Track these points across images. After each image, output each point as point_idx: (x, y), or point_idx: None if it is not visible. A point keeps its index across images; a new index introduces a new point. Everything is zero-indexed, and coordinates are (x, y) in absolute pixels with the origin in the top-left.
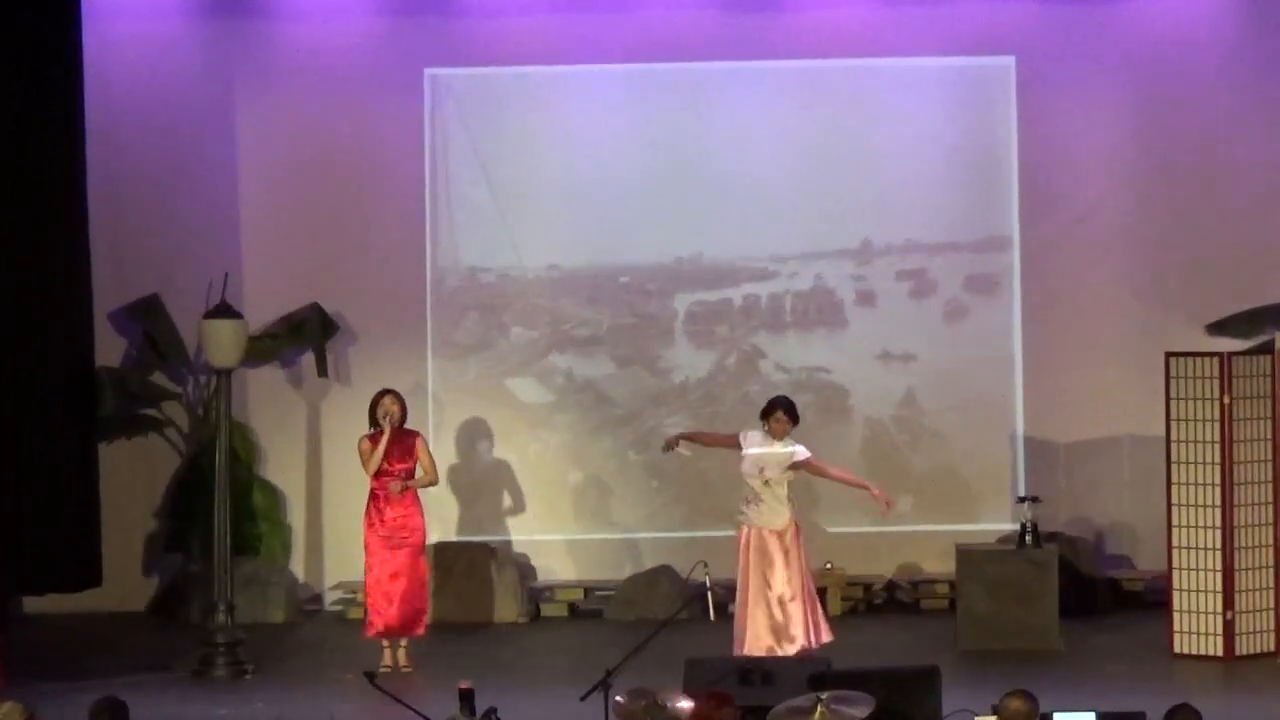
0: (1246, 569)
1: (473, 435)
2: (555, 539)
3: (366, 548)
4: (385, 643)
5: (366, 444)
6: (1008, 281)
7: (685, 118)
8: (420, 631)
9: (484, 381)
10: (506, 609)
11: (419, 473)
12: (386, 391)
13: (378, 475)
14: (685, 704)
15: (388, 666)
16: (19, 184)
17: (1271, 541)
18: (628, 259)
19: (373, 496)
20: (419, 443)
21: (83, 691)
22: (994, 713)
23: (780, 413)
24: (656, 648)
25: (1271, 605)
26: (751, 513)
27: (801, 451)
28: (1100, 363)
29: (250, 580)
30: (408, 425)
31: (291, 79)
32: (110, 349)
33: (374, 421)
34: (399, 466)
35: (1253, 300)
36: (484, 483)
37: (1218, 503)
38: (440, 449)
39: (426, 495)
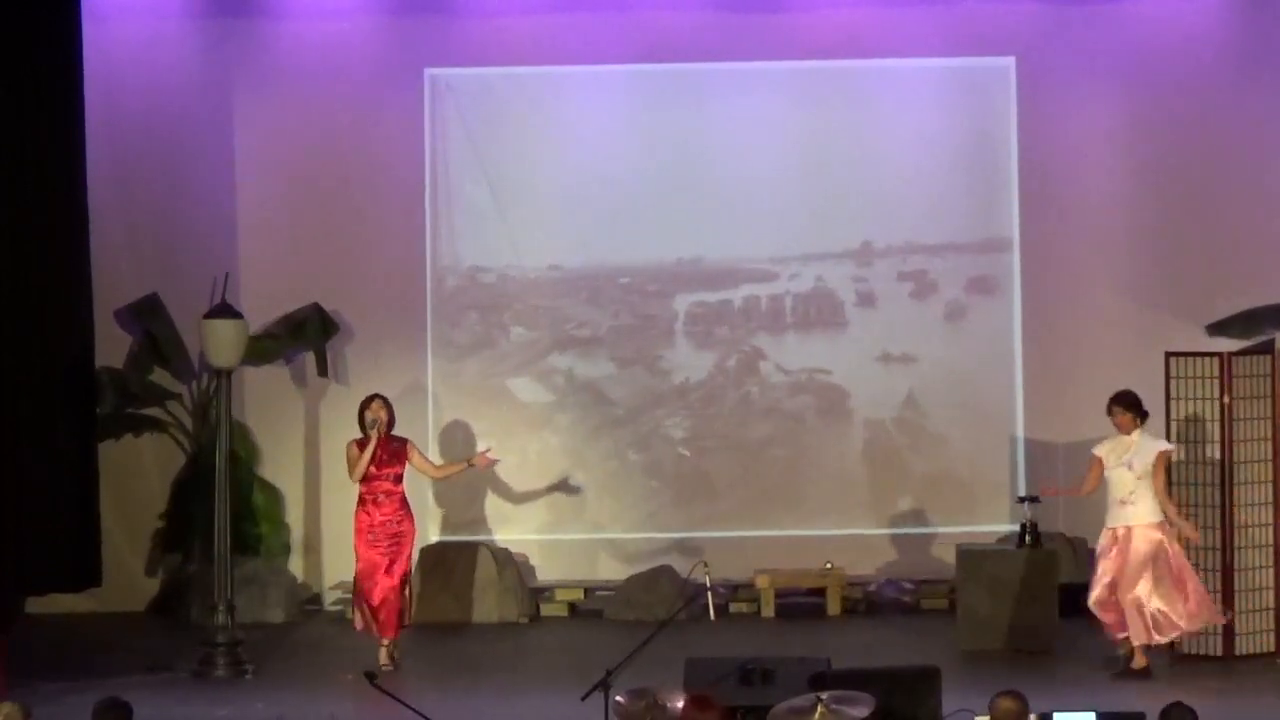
0: (1246, 569)
1: (473, 435)
2: (555, 539)
3: (356, 553)
4: (385, 641)
5: (355, 450)
6: (1008, 282)
7: (685, 118)
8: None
9: (484, 381)
10: (506, 609)
11: (424, 465)
12: (375, 396)
13: (365, 480)
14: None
15: (387, 665)
16: (19, 183)
17: (1271, 541)
18: (628, 259)
19: (361, 501)
20: (410, 448)
21: (83, 691)
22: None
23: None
24: (656, 648)
25: (1271, 605)
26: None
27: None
28: (1100, 363)
29: (250, 580)
30: (398, 430)
31: (291, 79)
32: (110, 349)
33: (364, 426)
34: (387, 471)
35: (1253, 300)
36: (484, 483)
37: (1218, 503)
38: (441, 449)
39: (425, 494)
